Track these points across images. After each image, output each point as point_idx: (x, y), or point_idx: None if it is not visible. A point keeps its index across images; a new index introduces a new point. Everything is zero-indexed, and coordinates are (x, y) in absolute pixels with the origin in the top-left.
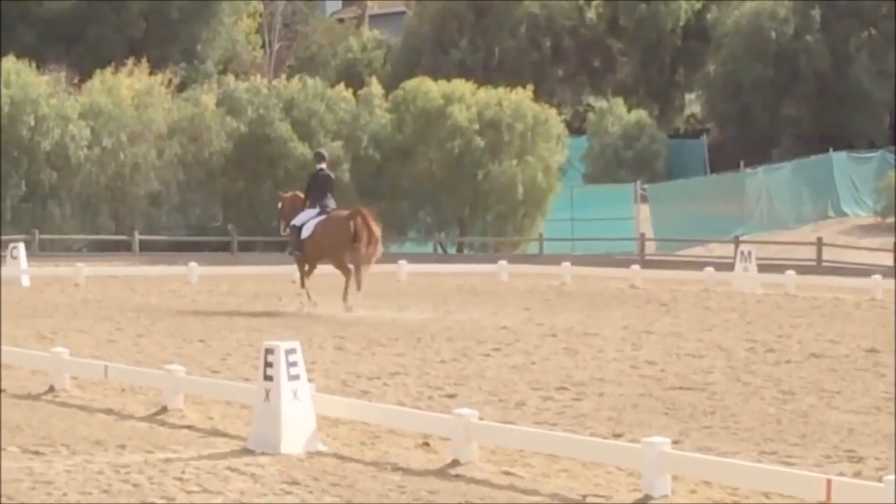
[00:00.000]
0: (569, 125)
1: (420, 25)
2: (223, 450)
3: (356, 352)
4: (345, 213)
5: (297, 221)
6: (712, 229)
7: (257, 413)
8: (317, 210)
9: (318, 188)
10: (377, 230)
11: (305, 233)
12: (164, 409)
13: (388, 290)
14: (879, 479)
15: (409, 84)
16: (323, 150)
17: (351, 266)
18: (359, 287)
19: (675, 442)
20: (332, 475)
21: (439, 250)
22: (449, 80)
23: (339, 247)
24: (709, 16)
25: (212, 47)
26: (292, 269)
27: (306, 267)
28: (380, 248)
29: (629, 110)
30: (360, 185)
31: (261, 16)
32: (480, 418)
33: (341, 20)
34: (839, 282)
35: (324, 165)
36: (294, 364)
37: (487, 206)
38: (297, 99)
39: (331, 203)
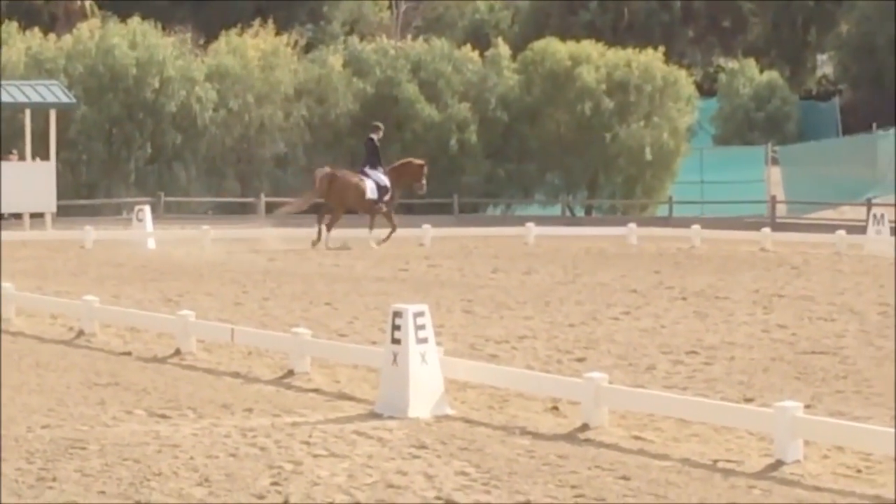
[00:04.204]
0: (699, 86)
1: None
2: (350, 413)
3: (484, 315)
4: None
5: None
6: (844, 192)
7: (385, 377)
8: None
9: (366, 154)
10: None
11: None
12: (290, 373)
13: (516, 253)
14: None
15: (537, 45)
16: (378, 123)
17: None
18: (328, 228)
19: (807, 406)
20: (460, 439)
21: (567, 213)
22: (577, 41)
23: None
24: None
25: (338, 8)
26: (419, 232)
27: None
28: (345, 185)
29: (760, 71)
30: (488, 147)
31: None
32: (610, 382)
33: None
34: None
35: (371, 135)
36: (422, 327)
37: (616, 169)
38: (424, 60)
39: (367, 167)
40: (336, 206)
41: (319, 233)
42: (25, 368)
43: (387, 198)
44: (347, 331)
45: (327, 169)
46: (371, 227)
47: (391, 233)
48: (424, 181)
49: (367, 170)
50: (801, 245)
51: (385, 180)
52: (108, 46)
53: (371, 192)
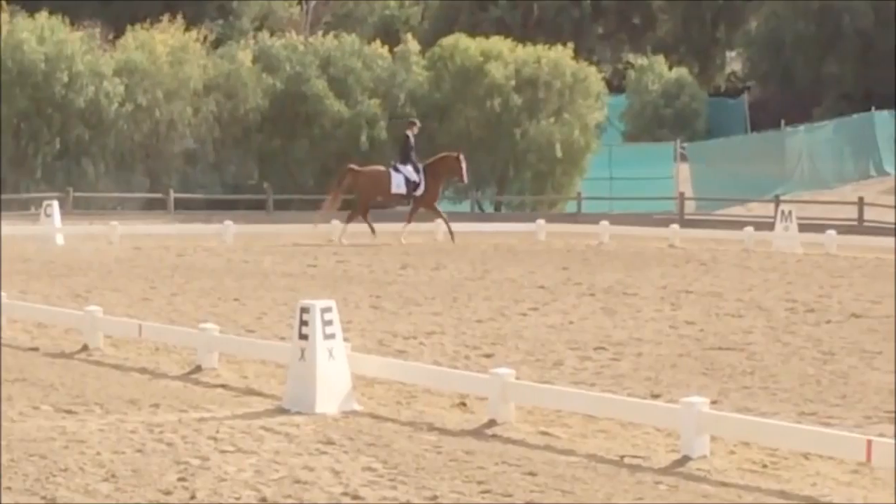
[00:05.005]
0: (608, 83)
1: None
2: (257, 409)
3: (392, 311)
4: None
5: None
6: (752, 188)
7: (292, 372)
8: None
9: (400, 148)
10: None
11: None
12: (198, 368)
13: (425, 249)
14: None
15: (447, 41)
16: (413, 119)
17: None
18: (348, 220)
19: (713, 402)
20: (367, 435)
21: (476, 209)
22: (487, 37)
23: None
24: None
25: (247, 4)
26: (330, 228)
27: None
28: (370, 179)
29: (669, 68)
30: (397, 144)
31: None
32: (517, 378)
33: None
34: (880, 242)
35: (406, 131)
36: (329, 323)
37: (525, 165)
38: (333, 56)
39: (399, 162)
40: (364, 200)
41: (372, 229)
42: None
43: (417, 192)
44: (255, 326)
45: (352, 165)
46: (445, 220)
47: (405, 227)
48: (465, 174)
49: (398, 164)
50: (710, 241)
51: (415, 175)
52: (15, 41)
53: (397, 186)
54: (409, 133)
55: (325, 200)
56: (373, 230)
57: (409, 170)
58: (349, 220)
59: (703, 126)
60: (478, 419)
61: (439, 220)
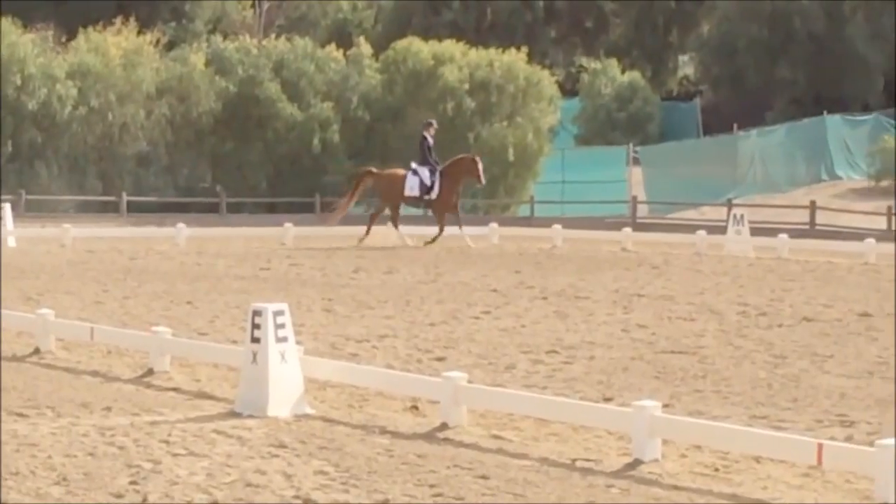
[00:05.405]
0: (561, 87)
1: None
2: (210, 412)
3: (345, 314)
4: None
5: None
6: (705, 192)
7: (244, 376)
8: None
9: (419, 150)
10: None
11: None
12: (150, 372)
13: (378, 253)
14: (871, 444)
15: (400, 44)
16: (431, 120)
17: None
18: (394, 225)
19: (665, 406)
20: (319, 438)
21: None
22: (440, 40)
23: None
24: None
25: (201, 6)
26: (281, 231)
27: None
28: (387, 181)
29: (622, 72)
30: (350, 147)
31: None
32: (469, 381)
33: None
34: (832, 245)
35: (423, 132)
36: (282, 326)
37: None
38: (286, 59)
39: (417, 163)
40: (384, 201)
41: (368, 231)
42: None
43: (431, 196)
44: (208, 329)
45: (371, 168)
46: (460, 225)
47: (437, 235)
48: (482, 175)
49: (417, 166)
50: (662, 245)
51: (429, 178)
52: None
53: (410, 188)
54: (426, 134)
55: (338, 202)
56: (395, 238)
57: (425, 172)
58: (394, 222)
59: (655, 130)
60: (430, 423)
61: (389, 225)
